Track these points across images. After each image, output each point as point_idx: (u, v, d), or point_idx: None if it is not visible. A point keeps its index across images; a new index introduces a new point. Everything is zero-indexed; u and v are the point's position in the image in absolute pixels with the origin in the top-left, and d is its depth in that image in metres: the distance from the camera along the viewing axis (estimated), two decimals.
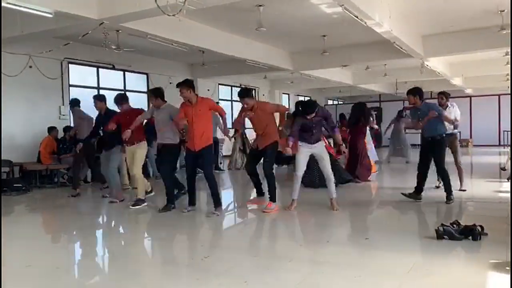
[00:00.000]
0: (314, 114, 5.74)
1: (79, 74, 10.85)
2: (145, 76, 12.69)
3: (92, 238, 5.23)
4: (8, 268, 3.71)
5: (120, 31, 8.13)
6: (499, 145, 19.73)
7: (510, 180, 7.75)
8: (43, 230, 5.85)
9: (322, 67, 12.82)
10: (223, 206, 6.13)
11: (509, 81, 16.01)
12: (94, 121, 7.64)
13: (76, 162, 8.00)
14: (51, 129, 9.09)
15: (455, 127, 7.12)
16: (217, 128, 9.24)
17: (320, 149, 5.92)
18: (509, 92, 18.14)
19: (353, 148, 8.55)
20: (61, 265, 3.95)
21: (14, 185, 8.09)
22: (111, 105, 7.10)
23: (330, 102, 24.95)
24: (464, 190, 7.02)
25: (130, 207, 6.37)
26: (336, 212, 5.74)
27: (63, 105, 10.14)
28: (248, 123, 6.82)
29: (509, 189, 7.22)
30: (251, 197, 7.19)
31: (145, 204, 6.47)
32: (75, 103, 8.76)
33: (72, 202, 7.18)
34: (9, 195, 7.73)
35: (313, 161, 6.34)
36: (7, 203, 7.07)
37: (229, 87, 16.30)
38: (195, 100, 5.72)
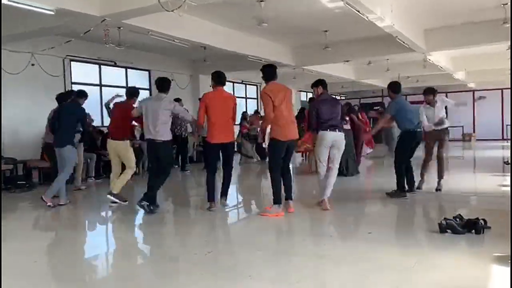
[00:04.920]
0: None
1: (82, 71, 10.86)
2: (147, 72, 12.69)
3: (96, 234, 5.28)
4: (16, 264, 3.74)
5: (121, 28, 8.13)
6: (503, 139, 19.68)
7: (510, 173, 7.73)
8: (48, 227, 5.87)
9: (324, 62, 12.78)
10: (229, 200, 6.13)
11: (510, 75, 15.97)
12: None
13: None
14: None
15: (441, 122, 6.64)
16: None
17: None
18: (510, 86, 18.10)
19: None
20: (66, 262, 3.97)
21: (18, 182, 8.15)
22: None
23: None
24: (439, 190, 6.63)
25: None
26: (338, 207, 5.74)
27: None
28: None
29: None
30: None
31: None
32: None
33: (75, 198, 7.20)
34: (13, 192, 7.79)
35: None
36: (12, 200, 7.11)
37: (231, 83, 16.27)
38: None
